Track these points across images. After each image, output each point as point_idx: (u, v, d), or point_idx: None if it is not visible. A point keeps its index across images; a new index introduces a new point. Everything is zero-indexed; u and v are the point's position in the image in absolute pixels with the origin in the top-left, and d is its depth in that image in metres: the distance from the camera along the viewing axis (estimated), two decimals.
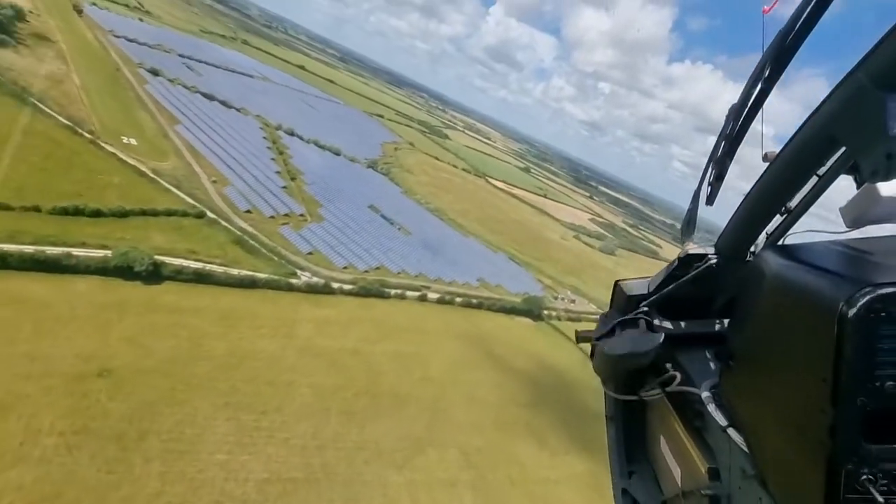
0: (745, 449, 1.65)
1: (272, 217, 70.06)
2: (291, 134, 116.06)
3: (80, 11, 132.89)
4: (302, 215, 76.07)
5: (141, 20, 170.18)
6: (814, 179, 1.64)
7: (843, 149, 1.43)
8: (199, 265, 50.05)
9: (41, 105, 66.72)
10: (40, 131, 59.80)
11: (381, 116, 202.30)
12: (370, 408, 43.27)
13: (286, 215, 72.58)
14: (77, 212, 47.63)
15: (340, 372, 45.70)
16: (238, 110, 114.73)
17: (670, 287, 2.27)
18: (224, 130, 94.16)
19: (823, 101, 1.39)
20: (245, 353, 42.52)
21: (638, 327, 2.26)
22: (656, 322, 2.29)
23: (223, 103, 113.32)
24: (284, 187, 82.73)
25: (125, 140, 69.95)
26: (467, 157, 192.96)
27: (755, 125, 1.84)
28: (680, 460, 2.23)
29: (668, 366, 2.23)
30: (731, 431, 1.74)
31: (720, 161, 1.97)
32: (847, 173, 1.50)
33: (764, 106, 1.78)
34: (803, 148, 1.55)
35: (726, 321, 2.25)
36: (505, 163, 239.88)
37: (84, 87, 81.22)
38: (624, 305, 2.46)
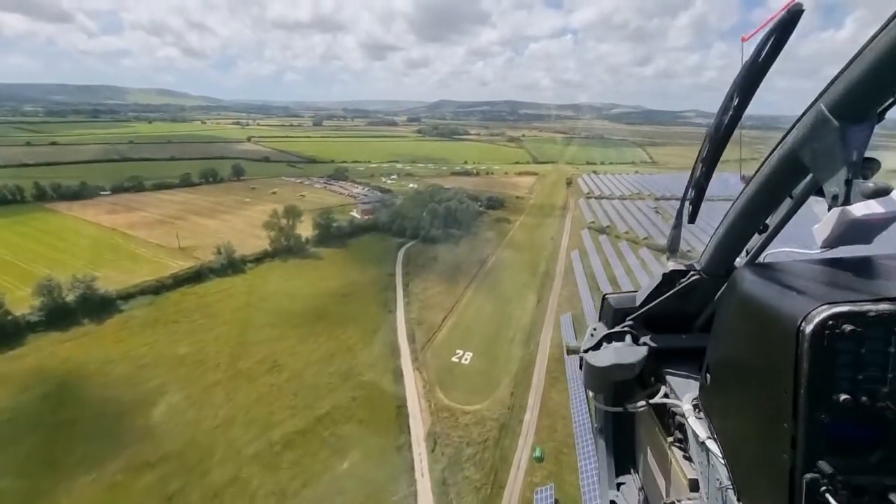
0: (722, 460, 1.69)
1: None
2: None
3: (569, 183, 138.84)
4: None
5: (636, 172, 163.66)
6: (788, 200, 1.74)
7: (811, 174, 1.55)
8: None
9: (414, 301, 57.15)
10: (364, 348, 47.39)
11: None
12: None
13: None
14: None
15: None
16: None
17: (656, 302, 2.30)
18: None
19: (790, 129, 1.49)
20: None
21: (624, 340, 2.31)
22: (642, 336, 2.32)
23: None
24: None
25: (456, 356, 47.72)
26: None
27: (731, 148, 1.90)
28: (664, 472, 2.27)
29: (654, 379, 2.31)
30: (709, 443, 1.79)
31: (698, 182, 2.03)
32: (816, 195, 1.57)
33: (741, 130, 1.82)
34: (775, 172, 1.64)
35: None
36: None
37: (485, 273, 69.40)
38: (611, 319, 2.49)
